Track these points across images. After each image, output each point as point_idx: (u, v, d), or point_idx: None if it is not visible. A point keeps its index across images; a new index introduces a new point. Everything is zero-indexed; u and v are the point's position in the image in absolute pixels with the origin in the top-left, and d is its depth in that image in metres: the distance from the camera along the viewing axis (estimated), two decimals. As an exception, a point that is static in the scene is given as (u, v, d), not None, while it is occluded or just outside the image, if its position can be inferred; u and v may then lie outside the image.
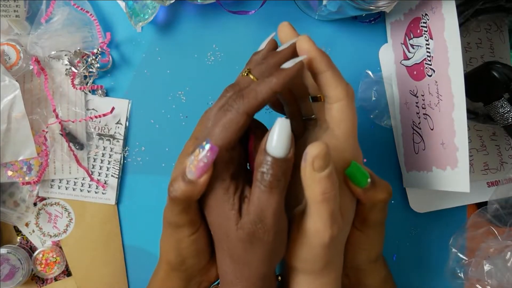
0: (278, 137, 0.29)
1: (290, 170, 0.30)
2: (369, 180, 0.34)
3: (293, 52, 0.34)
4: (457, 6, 0.41)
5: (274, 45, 0.35)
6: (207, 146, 0.30)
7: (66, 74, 0.49)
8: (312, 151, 0.29)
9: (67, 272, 0.49)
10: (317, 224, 0.31)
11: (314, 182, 0.30)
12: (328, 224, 0.31)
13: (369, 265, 0.40)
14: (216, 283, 0.39)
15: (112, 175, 0.49)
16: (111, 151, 0.50)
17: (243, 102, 0.31)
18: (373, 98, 0.52)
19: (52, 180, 0.49)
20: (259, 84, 0.31)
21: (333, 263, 0.35)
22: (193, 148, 0.32)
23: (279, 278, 0.38)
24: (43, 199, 0.49)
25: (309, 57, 0.33)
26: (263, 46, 0.35)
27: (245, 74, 0.33)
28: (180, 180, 0.31)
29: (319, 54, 0.33)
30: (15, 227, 0.49)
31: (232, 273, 0.34)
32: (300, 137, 0.39)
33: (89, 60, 0.49)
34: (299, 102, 0.39)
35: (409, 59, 0.49)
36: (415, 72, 0.48)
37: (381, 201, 0.35)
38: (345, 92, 0.34)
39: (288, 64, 0.31)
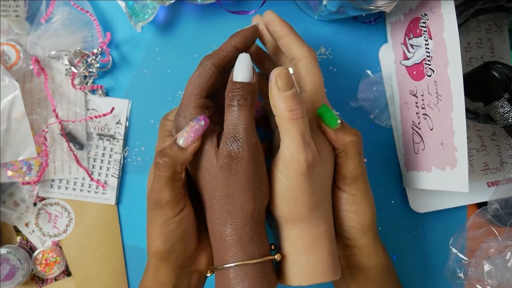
0: (241, 67, 0.35)
1: (256, 92, 0.36)
2: (339, 121, 0.38)
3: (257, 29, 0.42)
4: (457, 6, 0.41)
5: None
6: (201, 117, 0.35)
7: (66, 74, 0.49)
8: (275, 71, 0.35)
9: (67, 272, 0.49)
10: (290, 148, 0.35)
11: (280, 100, 0.34)
12: (301, 146, 0.35)
13: (363, 239, 0.41)
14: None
15: (112, 175, 0.49)
16: (111, 151, 0.50)
17: (210, 57, 0.38)
18: (373, 98, 0.52)
19: (52, 180, 0.49)
20: (223, 43, 0.39)
21: (319, 210, 0.38)
22: (176, 122, 0.38)
23: (273, 246, 0.39)
24: (43, 199, 0.49)
25: (272, 24, 0.41)
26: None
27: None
28: (169, 146, 0.35)
29: (280, 21, 0.41)
30: (15, 227, 0.49)
31: (220, 220, 0.36)
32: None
33: (89, 60, 0.49)
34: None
35: (408, 59, 0.49)
36: (414, 72, 0.47)
37: (350, 144, 0.38)
38: (307, 50, 0.40)
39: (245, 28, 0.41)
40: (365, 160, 0.52)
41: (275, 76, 0.34)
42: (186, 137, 0.35)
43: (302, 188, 0.36)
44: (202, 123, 0.35)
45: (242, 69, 0.35)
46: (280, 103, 0.34)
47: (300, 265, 0.37)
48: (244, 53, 0.36)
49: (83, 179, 0.49)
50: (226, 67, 0.39)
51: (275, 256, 0.38)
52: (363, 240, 0.41)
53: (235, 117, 0.35)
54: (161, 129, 0.42)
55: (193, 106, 0.37)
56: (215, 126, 0.37)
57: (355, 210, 0.40)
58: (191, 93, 0.37)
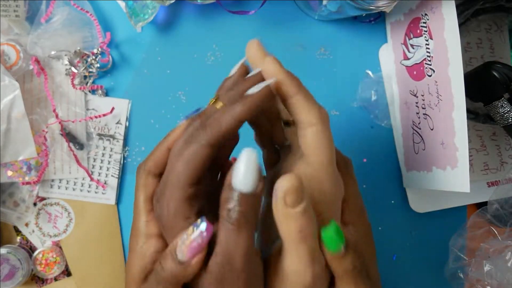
0: (244, 170, 0.26)
1: (259, 206, 0.27)
2: (342, 248, 0.29)
3: (262, 78, 0.31)
4: (457, 6, 0.41)
5: (245, 70, 0.33)
6: (203, 226, 0.27)
7: (66, 74, 0.49)
8: (283, 185, 0.26)
9: (67, 272, 0.49)
10: (296, 265, 0.28)
11: (288, 219, 0.27)
12: (309, 263, 0.28)
13: None
14: None
15: (112, 175, 0.49)
16: (111, 151, 0.50)
17: (205, 133, 0.28)
18: (373, 98, 0.52)
19: (52, 180, 0.49)
20: (223, 113, 0.28)
21: None
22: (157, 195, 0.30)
23: None
24: (43, 199, 0.49)
25: (277, 80, 0.30)
26: (234, 71, 0.33)
27: (213, 102, 0.30)
28: (169, 259, 0.28)
29: (287, 77, 0.30)
30: (15, 227, 0.49)
31: None
32: (273, 166, 0.36)
33: (89, 60, 0.49)
34: (270, 128, 0.36)
35: (409, 59, 0.49)
36: (415, 72, 0.47)
37: (346, 274, 0.30)
38: (319, 116, 0.30)
39: (253, 90, 0.29)
40: (365, 160, 0.53)
41: (283, 192, 0.26)
42: (187, 252, 0.27)
43: None
44: (205, 233, 0.27)
45: (246, 174, 0.26)
46: (290, 223, 0.27)
47: None
48: (250, 150, 0.26)
49: (83, 179, 0.49)
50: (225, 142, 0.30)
51: None
52: None
53: (232, 240, 0.26)
54: (141, 188, 0.33)
55: (180, 199, 0.28)
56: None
57: None
58: (178, 179, 0.28)
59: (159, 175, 0.32)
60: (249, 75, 0.32)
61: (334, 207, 0.32)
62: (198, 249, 0.27)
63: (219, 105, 0.30)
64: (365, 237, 0.35)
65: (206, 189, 0.30)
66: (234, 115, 0.28)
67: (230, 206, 0.26)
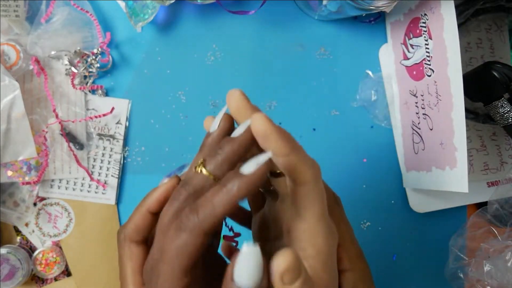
0: (247, 267, 0.24)
1: None
2: None
3: (251, 139, 0.28)
4: (457, 6, 0.41)
5: (229, 124, 0.29)
6: None
7: (66, 74, 0.49)
8: (279, 264, 0.24)
9: (67, 272, 0.49)
10: None
11: None
12: None
13: None
14: None
15: (112, 175, 0.49)
16: (111, 151, 0.50)
17: (198, 219, 0.25)
18: (373, 98, 0.52)
19: (52, 180, 0.49)
20: (216, 194, 0.25)
21: None
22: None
23: None
24: (43, 199, 0.49)
25: (267, 140, 0.27)
26: (215, 125, 0.29)
27: (199, 170, 0.27)
28: None
29: (280, 136, 0.27)
30: (15, 227, 0.49)
31: None
32: (259, 209, 0.35)
33: (89, 60, 0.49)
34: None
35: (408, 59, 0.49)
36: (414, 72, 0.47)
37: None
38: (312, 174, 0.28)
39: (249, 168, 0.25)
40: (365, 160, 0.53)
41: (280, 273, 0.25)
42: None
43: None
44: None
45: (248, 271, 0.24)
46: None
47: None
48: (251, 247, 0.24)
49: (83, 179, 0.49)
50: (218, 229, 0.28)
51: None
52: None
53: None
54: (127, 260, 0.31)
55: (179, 287, 0.27)
56: None
57: None
58: (172, 270, 0.26)
59: (142, 241, 0.30)
60: (236, 132, 0.28)
61: (330, 258, 0.31)
62: None
63: (206, 173, 0.27)
64: (364, 280, 0.34)
65: (201, 271, 0.29)
66: (229, 199, 0.25)
67: None
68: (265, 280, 0.24)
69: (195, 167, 0.28)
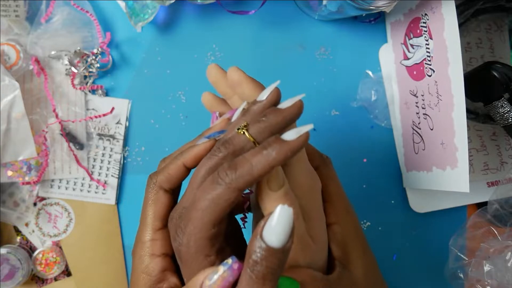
0: (278, 226, 0.24)
1: (286, 260, 0.26)
2: None
3: (297, 113, 0.30)
4: (457, 6, 0.41)
5: (276, 98, 0.31)
6: (234, 265, 0.26)
7: (66, 74, 0.49)
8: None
9: (67, 272, 0.49)
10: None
11: (271, 202, 0.28)
12: (299, 250, 0.29)
13: None
14: None
15: (112, 175, 0.49)
16: (111, 151, 0.50)
17: (235, 176, 0.26)
18: (373, 98, 0.52)
19: (52, 180, 0.49)
20: (255, 155, 0.26)
21: None
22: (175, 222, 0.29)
23: None
24: (43, 199, 0.49)
25: (240, 84, 0.32)
26: (264, 95, 0.31)
27: (241, 132, 0.29)
28: None
29: (251, 81, 0.33)
30: (15, 227, 0.49)
31: None
32: None
33: (89, 60, 0.49)
34: None
35: (409, 59, 0.49)
36: (415, 72, 0.47)
37: None
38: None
39: (290, 136, 0.27)
40: (365, 160, 0.53)
41: (266, 179, 0.28)
42: None
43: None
44: (236, 266, 0.26)
45: (279, 230, 0.24)
46: (272, 204, 0.28)
47: None
48: (286, 207, 0.24)
49: (83, 179, 0.49)
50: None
51: None
52: None
53: None
54: (151, 203, 0.33)
55: (203, 238, 0.28)
56: (223, 255, 0.29)
57: None
58: (202, 218, 0.27)
59: (170, 190, 0.32)
60: (283, 104, 0.30)
61: (312, 198, 0.32)
62: (228, 286, 0.26)
63: (248, 136, 0.29)
64: (353, 233, 0.35)
65: (227, 226, 0.30)
66: (269, 161, 0.26)
67: (257, 258, 0.25)
68: (291, 241, 0.25)
69: (238, 129, 0.29)
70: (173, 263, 0.32)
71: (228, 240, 0.30)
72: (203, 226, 0.27)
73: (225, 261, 0.26)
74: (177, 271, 0.32)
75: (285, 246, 0.24)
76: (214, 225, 0.27)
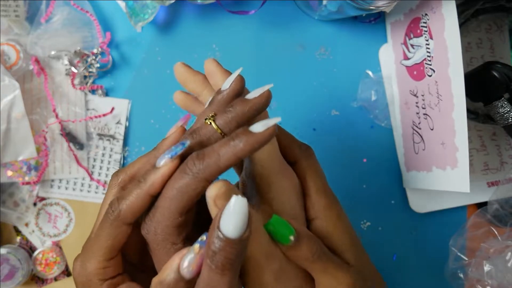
0: (233, 216, 0.25)
1: (245, 249, 0.26)
2: (292, 237, 0.30)
3: (264, 104, 0.30)
4: (457, 6, 0.41)
5: (241, 85, 0.31)
6: (206, 238, 0.27)
7: (66, 74, 0.49)
8: (212, 192, 0.26)
9: (67, 272, 0.49)
10: (251, 264, 0.29)
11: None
12: (263, 260, 0.29)
13: None
14: None
15: (112, 175, 0.49)
16: (111, 151, 0.50)
17: (202, 166, 0.27)
18: (373, 98, 0.52)
19: (52, 180, 0.49)
20: (223, 146, 0.27)
21: None
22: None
23: None
24: (43, 199, 0.49)
25: (214, 75, 0.33)
26: (227, 84, 0.31)
27: (208, 122, 0.29)
28: (173, 278, 0.27)
29: (223, 73, 0.33)
30: (15, 227, 0.49)
31: None
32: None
33: (89, 60, 0.49)
34: None
35: (409, 59, 0.49)
36: (415, 72, 0.47)
37: (306, 261, 0.30)
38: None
39: (258, 128, 0.27)
40: (365, 160, 0.53)
41: (212, 199, 0.27)
42: (195, 269, 0.27)
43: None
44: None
45: (234, 220, 0.25)
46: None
47: None
48: (239, 198, 0.25)
49: (83, 179, 0.49)
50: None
51: None
52: None
53: (215, 281, 0.26)
54: (106, 234, 0.30)
55: (169, 226, 0.28)
56: (190, 244, 0.29)
57: None
58: (169, 207, 0.28)
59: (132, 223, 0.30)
60: (250, 96, 0.30)
61: (286, 198, 0.32)
62: (201, 264, 0.27)
63: (215, 126, 0.29)
64: (337, 226, 0.34)
65: (193, 215, 0.30)
66: (235, 152, 0.26)
67: (216, 248, 0.25)
68: (248, 231, 0.25)
69: (205, 119, 0.29)
70: (127, 275, 0.31)
71: (198, 229, 0.30)
72: (170, 215, 0.27)
73: (199, 238, 0.27)
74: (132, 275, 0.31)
75: (242, 236, 0.25)
76: (180, 214, 0.28)
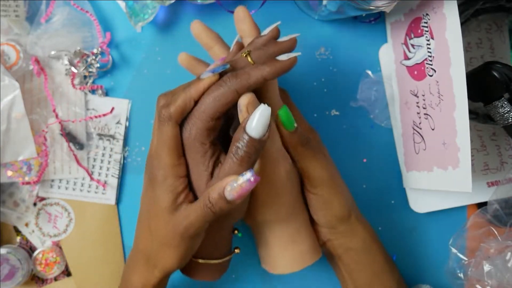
0: (257, 120, 0.32)
1: (262, 148, 0.34)
2: (295, 125, 0.38)
3: (292, 46, 0.38)
4: (458, 6, 0.41)
5: (276, 33, 0.39)
6: (251, 176, 0.32)
7: (66, 74, 0.48)
8: (244, 100, 0.34)
9: (67, 272, 0.49)
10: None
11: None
12: (281, 159, 0.39)
13: (342, 225, 0.43)
14: None
15: (112, 175, 0.49)
16: (111, 151, 0.50)
17: (235, 81, 0.34)
18: (373, 98, 0.52)
19: (52, 180, 0.49)
20: (253, 69, 0.34)
21: (297, 206, 0.42)
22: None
23: (236, 231, 0.43)
24: (43, 199, 0.49)
25: (244, 21, 0.40)
26: (266, 32, 0.39)
27: (244, 55, 0.36)
28: (218, 198, 0.33)
29: (252, 22, 0.40)
30: (15, 227, 0.49)
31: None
32: None
33: (89, 60, 0.49)
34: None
35: (409, 59, 0.49)
36: (415, 72, 0.47)
37: (301, 145, 0.39)
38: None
39: (282, 57, 0.35)
40: (365, 160, 0.53)
41: (245, 105, 0.34)
42: (236, 195, 0.33)
43: (285, 191, 0.40)
44: (252, 179, 0.32)
45: (258, 124, 0.32)
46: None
47: (288, 255, 0.42)
48: (265, 106, 0.32)
49: (83, 179, 0.49)
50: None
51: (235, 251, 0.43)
52: (342, 226, 0.43)
53: (234, 170, 0.33)
54: (170, 139, 0.36)
55: (202, 128, 0.35)
56: (215, 147, 0.37)
57: (327, 207, 0.42)
58: (204, 111, 0.34)
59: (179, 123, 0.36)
60: (282, 39, 0.38)
61: (276, 138, 0.40)
62: (245, 193, 0.33)
63: (249, 59, 0.36)
64: (331, 201, 0.42)
65: (221, 126, 0.37)
66: (262, 73, 0.34)
67: (239, 145, 0.33)
68: (267, 134, 0.33)
69: (242, 53, 0.37)
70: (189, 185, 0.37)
71: (219, 140, 0.38)
72: (204, 117, 0.34)
73: (244, 173, 0.32)
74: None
75: (262, 137, 0.33)
76: (212, 118, 0.34)
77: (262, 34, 0.39)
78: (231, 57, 0.40)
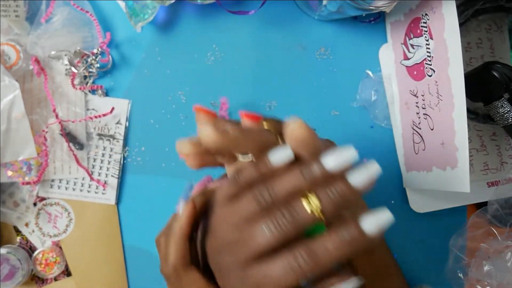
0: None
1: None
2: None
3: (369, 190, 0.26)
4: (457, 6, 0.41)
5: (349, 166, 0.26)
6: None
7: (66, 74, 0.49)
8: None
9: (67, 272, 0.49)
10: None
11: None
12: None
13: None
14: None
15: (112, 175, 0.49)
16: (111, 151, 0.50)
17: (312, 266, 0.24)
18: (373, 98, 0.52)
19: (52, 180, 0.49)
20: (337, 248, 0.24)
21: None
22: None
23: None
24: (43, 199, 0.49)
25: (307, 144, 0.27)
26: (333, 158, 0.26)
27: (307, 200, 0.25)
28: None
29: (316, 140, 0.28)
30: (15, 227, 0.49)
31: None
32: None
33: (89, 60, 0.49)
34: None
35: (409, 59, 0.49)
36: (415, 72, 0.47)
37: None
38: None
39: (370, 226, 0.25)
40: (365, 160, 0.53)
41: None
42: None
43: None
44: None
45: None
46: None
47: None
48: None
49: (83, 179, 0.49)
50: None
51: None
52: None
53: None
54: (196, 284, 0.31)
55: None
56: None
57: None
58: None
59: (191, 263, 0.31)
60: (353, 177, 0.27)
61: None
62: None
63: (317, 214, 0.25)
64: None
65: None
66: (346, 255, 0.25)
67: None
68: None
69: (302, 195, 0.25)
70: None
71: None
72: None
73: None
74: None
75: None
76: None
77: (325, 160, 0.26)
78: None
